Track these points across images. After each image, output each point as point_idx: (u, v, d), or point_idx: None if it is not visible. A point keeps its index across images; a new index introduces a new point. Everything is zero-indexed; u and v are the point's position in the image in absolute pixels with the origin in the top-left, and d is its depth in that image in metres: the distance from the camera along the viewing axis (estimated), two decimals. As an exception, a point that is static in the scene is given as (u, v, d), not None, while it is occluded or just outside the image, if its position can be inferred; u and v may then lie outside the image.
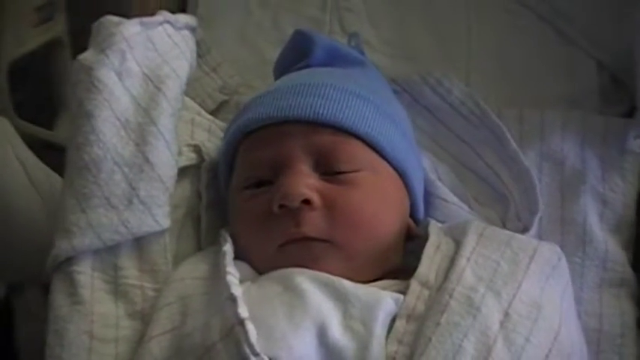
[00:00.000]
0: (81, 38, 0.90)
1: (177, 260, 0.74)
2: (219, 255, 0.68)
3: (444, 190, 0.81)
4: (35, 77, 1.31)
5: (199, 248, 0.77)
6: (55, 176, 0.97)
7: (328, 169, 0.69)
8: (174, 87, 0.77)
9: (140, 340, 0.69)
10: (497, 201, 0.83)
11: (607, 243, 0.82)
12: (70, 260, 0.70)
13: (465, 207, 0.81)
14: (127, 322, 0.70)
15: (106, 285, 0.71)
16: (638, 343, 0.80)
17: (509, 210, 0.81)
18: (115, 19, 0.77)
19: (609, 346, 0.79)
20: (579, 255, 0.81)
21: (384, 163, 0.72)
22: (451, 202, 0.80)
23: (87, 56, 0.75)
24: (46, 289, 0.98)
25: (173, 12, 0.86)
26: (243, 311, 0.59)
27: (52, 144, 1.24)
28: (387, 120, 0.73)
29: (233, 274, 0.64)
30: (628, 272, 0.82)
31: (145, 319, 0.70)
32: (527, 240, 0.69)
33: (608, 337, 0.79)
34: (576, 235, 0.82)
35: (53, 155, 1.00)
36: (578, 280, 0.80)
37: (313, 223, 0.67)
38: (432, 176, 0.82)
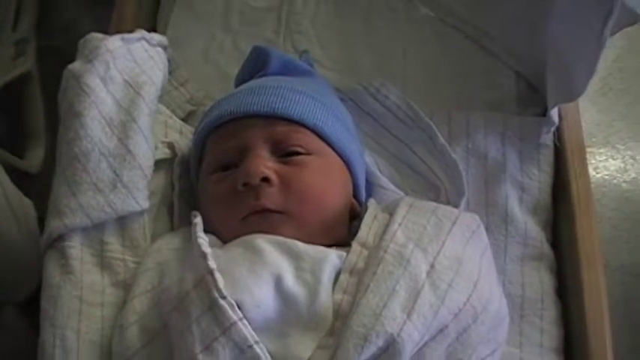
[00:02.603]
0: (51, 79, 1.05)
1: (154, 239, 0.88)
2: (191, 228, 0.83)
3: (383, 180, 0.97)
4: (4, 109, 1.45)
5: (172, 230, 0.91)
6: (28, 201, 1.09)
7: (283, 153, 0.85)
8: (150, 91, 0.92)
9: (122, 305, 0.82)
10: (429, 190, 0.99)
11: (526, 223, 0.98)
12: (62, 237, 0.83)
13: (402, 193, 0.96)
14: (111, 290, 0.83)
15: (93, 258, 0.84)
16: (556, 308, 0.94)
17: (440, 196, 0.97)
18: (100, 35, 0.93)
19: (531, 310, 0.94)
20: (502, 233, 0.97)
21: (330, 150, 0.88)
22: (389, 189, 0.96)
23: (75, 65, 0.90)
24: (21, 307, 1.09)
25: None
26: (212, 263, 0.74)
27: (23, 172, 1.37)
28: (332, 115, 0.90)
29: (203, 238, 0.79)
30: (546, 248, 0.98)
31: (126, 288, 0.83)
32: (450, 209, 0.84)
33: (530, 302, 0.94)
34: (499, 216, 0.98)
35: (24, 182, 1.13)
36: (502, 255, 0.96)
37: (271, 197, 0.82)
38: (373, 169, 0.98)
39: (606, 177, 1.49)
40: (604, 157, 1.51)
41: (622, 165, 1.50)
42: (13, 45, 1.41)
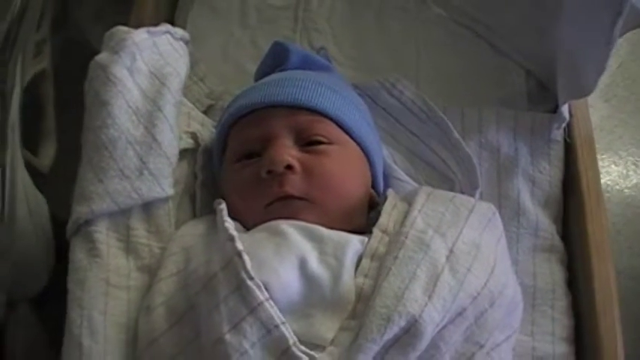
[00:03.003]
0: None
1: (177, 226, 0.90)
2: (215, 215, 0.85)
3: (399, 172, 1.00)
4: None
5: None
6: (42, 198, 1.08)
7: (306, 142, 0.87)
8: (175, 82, 0.95)
9: (147, 289, 0.84)
10: (444, 182, 1.02)
11: (537, 215, 1.01)
12: (88, 222, 0.85)
13: (417, 185, 0.98)
14: (136, 274, 0.86)
15: (119, 243, 0.86)
16: (566, 298, 0.97)
17: (454, 189, 0.99)
18: (125, 28, 0.96)
19: (543, 299, 0.97)
20: (515, 225, 1.00)
21: (351, 140, 0.91)
22: (405, 181, 0.99)
23: (102, 57, 0.92)
24: (33, 304, 1.10)
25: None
26: (239, 245, 0.76)
27: (35, 169, 1.39)
28: (352, 107, 0.93)
29: (230, 222, 0.81)
30: (557, 240, 1.01)
31: (151, 272, 0.86)
32: (466, 198, 0.87)
33: (542, 292, 0.97)
34: (511, 209, 1.01)
35: (36, 180, 1.15)
36: (515, 246, 0.99)
37: (294, 184, 0.84)
38: (389, 161, 1.01)
39: (609, 183, 1.52)
40: (606, 163, 1.55)
41: (624, 171, 1.54)
42: (35, 45, 1.43)
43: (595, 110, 1.53)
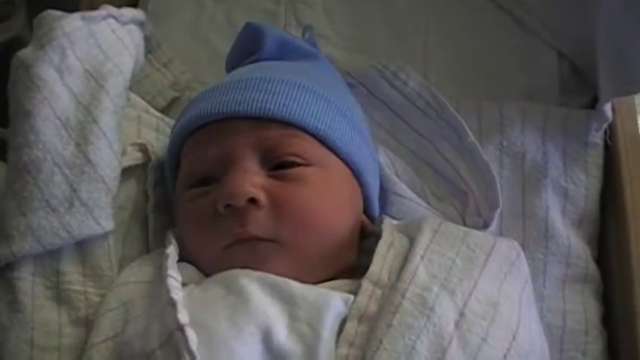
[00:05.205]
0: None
1: (125, 263, 0.72)
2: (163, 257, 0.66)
3: (400, 187, 0.80)
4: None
5: (147, 250, 0.75)
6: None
7: (276, 165, 0.67)
8: (116, 83, 0.75)
9: (83, 347, 0.66)
10: (456, 196, 0.83)
11: (569, 238, 0.82)
12: (10, 266, 0.68)
13: (423, 203, 0.80)
14: (69, 330, 0.68)
15: (47, 291, 0.69)
16: (602, 340, 0.79)
17: (469, 205, 0.81)
18: (57, 13, 0.76)
19: (573, 344, 0.79)
20: (541, 251, 0.81)
21: (335, 158, 0.70)
22: (408, 198, 0.79)
23: (26, 52, 0.73)
24: None
25: (124, 6, 0.85)
26: (182, 317, 0.58)
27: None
28: (338, 114, 0.71)
29: (175, 277, 0.63)
30: (592, 268, 0.82)
31: (88, 325, 0.68)
32: (483, 236, 0.68)
33: (572, 335, 0.79)
34: (538, 231, 0.82)
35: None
36: (541, 277, 0.81)
37: (259, 222, 0.65)
38: (389, 171, 0.81)
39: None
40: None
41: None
42: (-4, 7, 1.25)
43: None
